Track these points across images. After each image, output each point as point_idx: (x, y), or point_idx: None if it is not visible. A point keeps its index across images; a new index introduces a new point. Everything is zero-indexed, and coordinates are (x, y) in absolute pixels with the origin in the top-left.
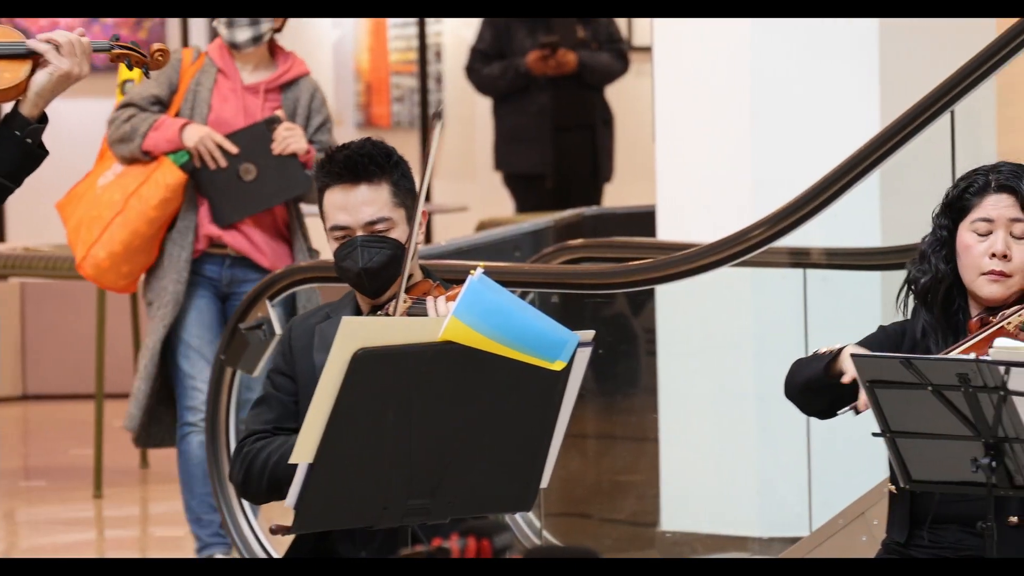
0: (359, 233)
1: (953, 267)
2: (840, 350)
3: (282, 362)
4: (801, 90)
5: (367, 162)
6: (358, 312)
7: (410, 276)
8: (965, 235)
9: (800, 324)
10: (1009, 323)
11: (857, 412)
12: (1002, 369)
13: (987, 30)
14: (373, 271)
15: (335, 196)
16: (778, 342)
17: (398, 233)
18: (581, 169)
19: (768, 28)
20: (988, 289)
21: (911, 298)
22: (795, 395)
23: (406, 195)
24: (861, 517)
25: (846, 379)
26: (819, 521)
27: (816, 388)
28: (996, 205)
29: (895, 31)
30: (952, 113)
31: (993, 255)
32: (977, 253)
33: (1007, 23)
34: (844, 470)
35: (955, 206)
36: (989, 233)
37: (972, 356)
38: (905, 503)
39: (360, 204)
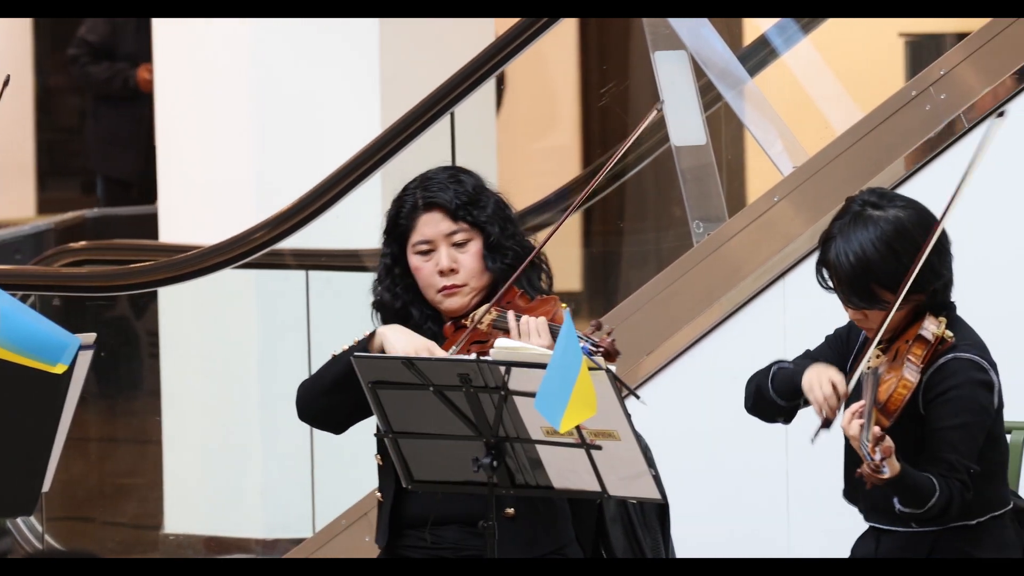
0: None
1: (410, 284)
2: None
3: None
4: (303, 92)
5: None
6: None
7: None
8: (412, 258)
9: (303, 326)
10: (482, 323)
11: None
12: (503, 369)
13: (486, 32)
14: None
15: None
16: (282, 344)
17: None
18: None
19: (268, 29)
20: (447, 304)
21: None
22: (318, 403)
23: None
24: (364, 518)
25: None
26: (323, 522)
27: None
28: (429, 224)
29: (395, 33)
30: (452, 114)
31: (441, 272)
32: (427, 273)
33: (507, 23)
34: (347, 471)
35: (395, 232)
36: (432, 251)
37: (473, 356)
38: (397, 505)
39: None
